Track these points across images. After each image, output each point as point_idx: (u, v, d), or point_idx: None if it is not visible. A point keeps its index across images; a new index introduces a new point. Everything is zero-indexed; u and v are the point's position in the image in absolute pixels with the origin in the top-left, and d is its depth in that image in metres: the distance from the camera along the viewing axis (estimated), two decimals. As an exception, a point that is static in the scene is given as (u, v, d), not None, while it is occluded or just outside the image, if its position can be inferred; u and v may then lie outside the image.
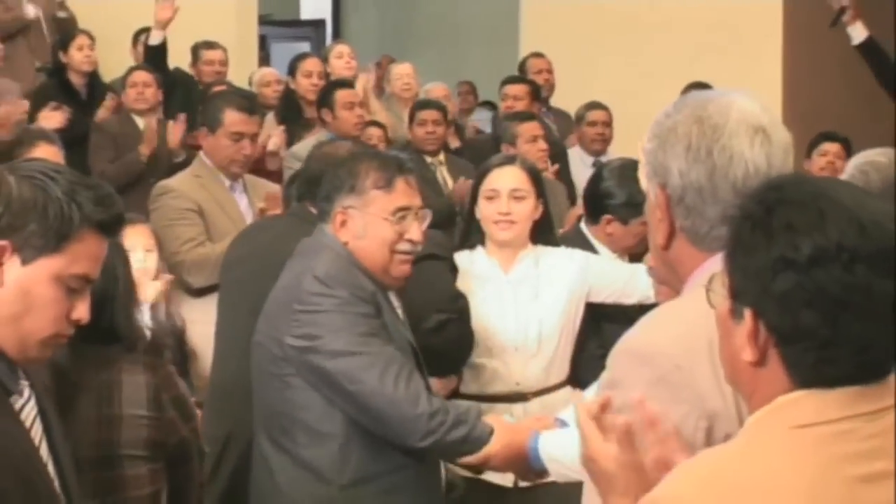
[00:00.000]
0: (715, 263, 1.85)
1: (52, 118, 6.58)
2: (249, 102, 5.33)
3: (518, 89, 7.75)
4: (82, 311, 2.13)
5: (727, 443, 1.73)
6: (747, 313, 1.65)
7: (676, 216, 1.97)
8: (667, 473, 1.70)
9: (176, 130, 6.62)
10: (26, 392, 2.16)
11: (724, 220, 1.88)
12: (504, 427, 3.25)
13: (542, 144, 6.33)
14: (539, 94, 7.93)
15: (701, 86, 7.59)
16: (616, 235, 4.31)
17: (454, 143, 7.80)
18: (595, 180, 4.42)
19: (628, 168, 4.41)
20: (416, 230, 3.31)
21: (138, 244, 4.33)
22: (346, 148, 4.01)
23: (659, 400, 1.85)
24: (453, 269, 4.01)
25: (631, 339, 1.95)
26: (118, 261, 2.83)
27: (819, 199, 1.63)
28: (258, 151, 6.22)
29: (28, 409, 2.15)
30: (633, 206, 4.23)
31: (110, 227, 2.14)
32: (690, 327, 1.86)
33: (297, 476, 3.21)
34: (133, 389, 2.75)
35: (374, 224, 3.25)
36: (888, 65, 7.64)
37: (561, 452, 3.08)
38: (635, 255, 4.34)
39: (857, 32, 7.61)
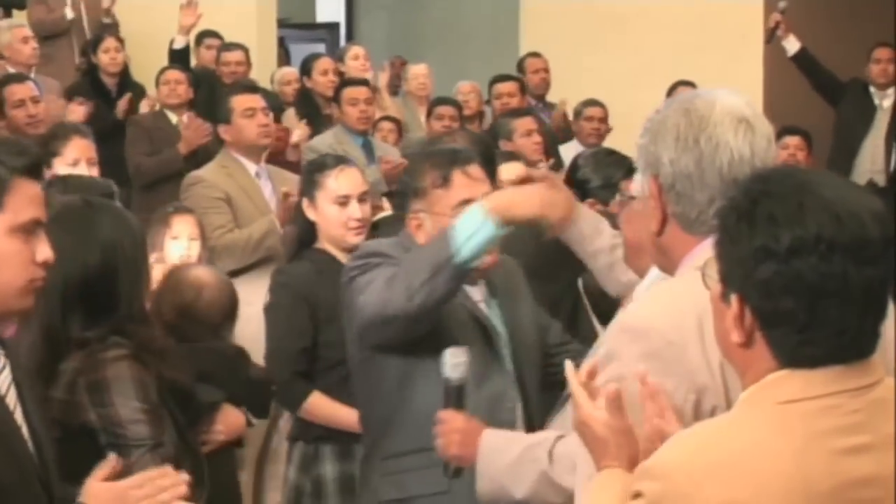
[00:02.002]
0: (705, 247, 1.86)
1: (77, 112, 6.60)
2: (249, 84, 5.66)
3: (510, 87, 7.77)
4: (45, 252, 2.14)
5: (718, 416, 1.74)
6: (733, 298, 1.66)
7: (668, 203, 1.98)
8: (661, 444, 1.71)
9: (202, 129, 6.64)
10: (1, 360, 2.16)
11: (712, 205, 1.91)
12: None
13: (537, 138, 6.30)
14: (525, 89, 7.94)
15: (686, 83, 7.67)
16: None
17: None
18: (572, 170, 4.43)
19: (601, 154, 4.44)
20: None
21: (184, 233, 4.33)
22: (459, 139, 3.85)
23: (651, 373, 1.86)
24: None
25: (626, 316, 1.96)
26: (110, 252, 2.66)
27: (800, 192, 1.62)
28: (282, 137, 6.28)
29: (3, 377, 2.15)
30: (610, 187, 4.23)
31: (34, 170, 2.14)
32: (682, 306, 1.86)
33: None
34: (59, 375, 2.62)
35: (441, 223, 3.00)
36: (822, 72, 7.75)
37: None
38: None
39: (791, 45, 7.81)
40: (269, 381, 3.63)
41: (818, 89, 7.86)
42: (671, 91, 7.70)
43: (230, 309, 3.45)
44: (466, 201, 2.99)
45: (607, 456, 1.84)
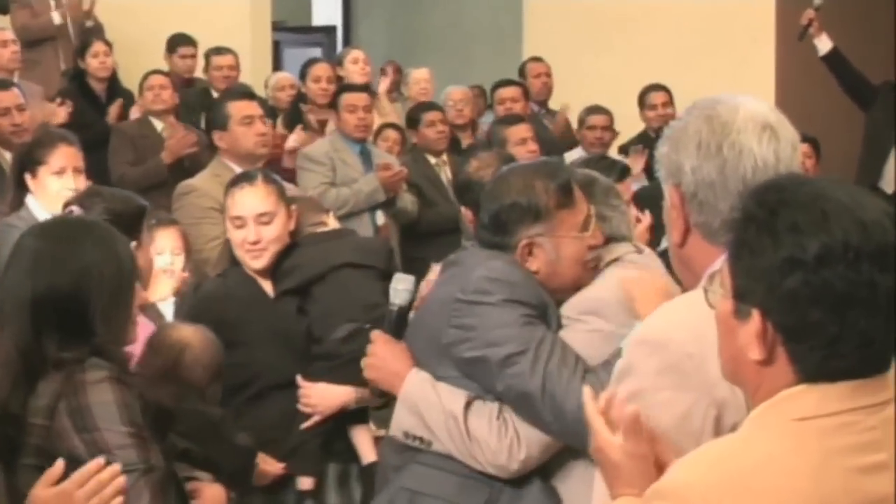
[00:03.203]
0: None
1: (57, 114, 6.56)
2: (246, 91, 5.59)
3: (513, 92, 7.78)
4: None
5: (730, 434, 1.73)
6: (755, 313, 1.65)
7: (691, 212, 1.98)
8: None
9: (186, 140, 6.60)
10: None
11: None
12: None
13: (532, 146, 6.23)
14: (528, 95, 7.94)
15: (658, 88, 7.62)
16: None
17: (468, 142, 7.80)
18: None
19: (593, 160, 4.44)
20: (597, 233, 2.95)
21: (167, 246, 4.30)
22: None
23: (669, 387, 1.87)
24: (384, 276, 3.77)
25: (645, 328, 1.97)
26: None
27: (820, 200, 1.62)
28: (279, 144, 6.26)
29: None
30: None
31: None
32: (702, 318, 1.84)
33: None
34: (37, 397, 2.58)
35: (564, 245, 2.90)
36: (853, 74, 7.70)
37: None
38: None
39: (823, 44, 7.70)
40: (255, 450, 3.53)
41: (848, 92, 7.78)
42: (642, 96, 7.70)
43: (216, 369, 3.36)
44: (588, 217, 2.94)
45: (621, 482, 1.84)
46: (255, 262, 3.83)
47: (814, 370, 1.63)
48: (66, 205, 3.55)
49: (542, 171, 2.96)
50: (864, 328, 1.60)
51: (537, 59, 8.53)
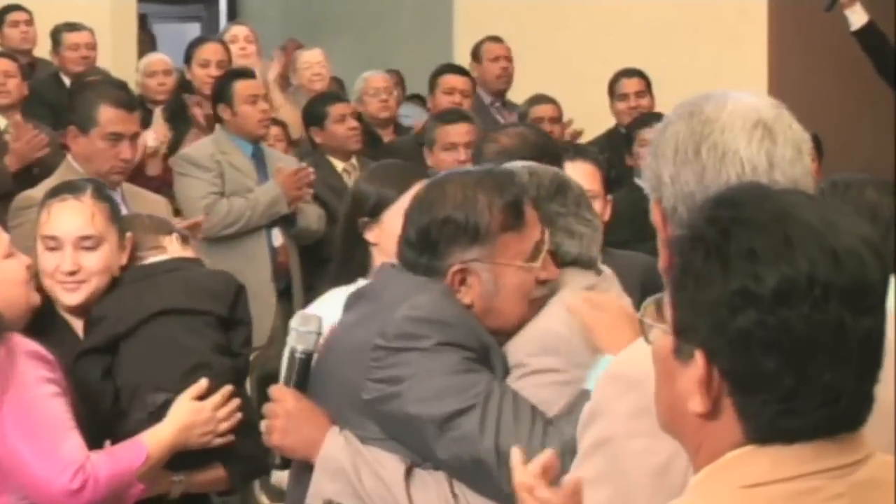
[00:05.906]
0: None
1: None
2: (128, 96, 5.37)
3: (464, 83, 7.76)
4: None
5: (672, 502, 1.72)
6: (698, 355, 1.64)
7: (674, 231, 1.99)
8: None
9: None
10: None
11: None
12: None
13: (462, 155, 6.05)
14: (474, 88, 7.96)
15: (633, 73, 7.58)
16: None
17: (389, 138, 7.79)
18: None
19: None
20: (551, 266, 2.95)
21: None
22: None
23: (645, 433, 1.89)
24: (226, 325, 3.76)
25: (617, 364, 1.99)
26: None
27: (784, 221, 1.62)
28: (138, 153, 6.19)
29: None
30: None
31: None
32: None
33: None
34: None
35: (506, 275, 2.90)
36: (889, 53, 7.70)
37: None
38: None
39: (857, 16, 7.61)
40: None
41: (884, 75, 7.72)
42: (612, 84, 7.68)
43: None
44: (538, 245, 2.94)
45: None
46: (70, 295, 3.72)
47: (766, 429, 1.62)
48: None
49: (488, 184, 2.94)
50: (829, 382, 1.59)
51: (495, 39, 8.52)
